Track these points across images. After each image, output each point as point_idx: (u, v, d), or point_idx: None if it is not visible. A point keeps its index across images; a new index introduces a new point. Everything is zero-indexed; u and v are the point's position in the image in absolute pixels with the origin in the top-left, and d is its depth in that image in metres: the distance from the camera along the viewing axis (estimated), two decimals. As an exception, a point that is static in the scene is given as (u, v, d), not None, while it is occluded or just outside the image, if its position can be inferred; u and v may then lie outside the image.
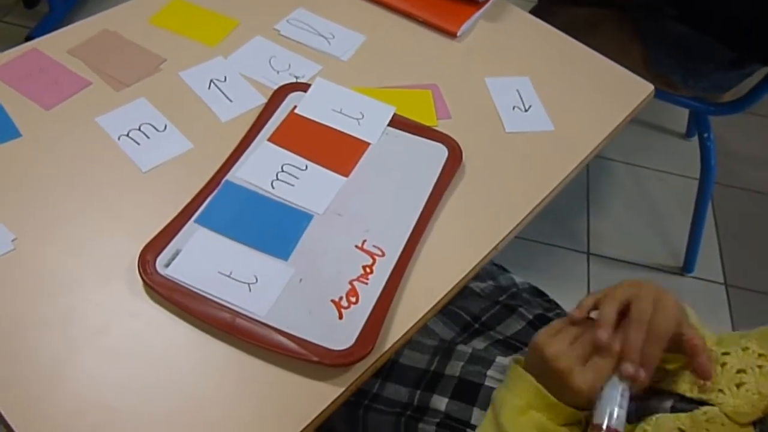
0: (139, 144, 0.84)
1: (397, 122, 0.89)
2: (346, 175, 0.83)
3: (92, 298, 0.70)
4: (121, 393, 0.64)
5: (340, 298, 0.71)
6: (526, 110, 0.96)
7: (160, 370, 0.66)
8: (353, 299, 0.71)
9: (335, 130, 0.88)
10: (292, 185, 0.81)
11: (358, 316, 0.69)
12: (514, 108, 0.95)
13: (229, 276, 0.71)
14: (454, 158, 0.86)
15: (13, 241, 0.73)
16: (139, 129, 0.85)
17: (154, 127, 0.86)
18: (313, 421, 0.64)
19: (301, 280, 0.72)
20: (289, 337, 0.67)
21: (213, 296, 0.69)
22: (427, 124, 0.90)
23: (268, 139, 0.85)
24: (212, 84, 0.92)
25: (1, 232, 0.73)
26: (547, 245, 1.79)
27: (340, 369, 0.67)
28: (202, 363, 0.67)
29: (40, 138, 0.83)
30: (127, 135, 0.84)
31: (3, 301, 0.69)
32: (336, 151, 0.85)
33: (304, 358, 0.66)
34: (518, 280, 1.01)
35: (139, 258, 0.71)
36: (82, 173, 0.80)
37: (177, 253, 0.72)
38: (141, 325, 0.69)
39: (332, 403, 0.65)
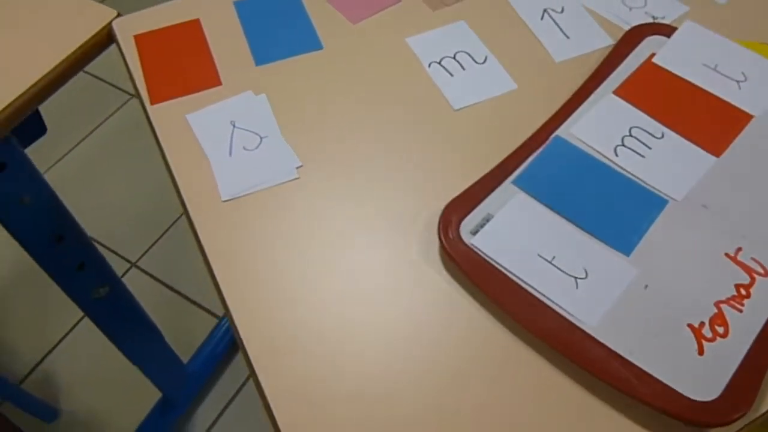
0: (452, 75, 0.69)
1: (796, 92, 0.65)
2: (717, 155, 0.61)
3: (371, 255, 0.57)
4: (393, 383, 0.51)
5: (701, 325, 0.51)
6: None
7: (441, 368, 0.51)
8: (720, 329, 0.50)
9: (706, 91, 0.65)
10: (643, 156, 0.61)
11: (728, 355, 0.49)
12: None
13: (550, 262, 0.54)
14: None
15: (297, 168, 0.63)
16: (454, 57, 0.71)
17: (472, 58, 0.70)
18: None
19: (646, 286, 0.53)
20: (624, 363, 0.49)
21: (528, 285, 0.53)
22: (840, 100, 0.65)
23: (614, 92, 0.65)
24: (546, 14, 0.74)
25: (287, 157, 0.64)
26: None
27: (696, 428, 0.47)
28: (494, 372, 0.51)
29: (341, 53, 0.72)
30: (440, 63, 0.70)
31: (270, 239, 0.58)
32: (704, 119, 0.63)
33: (645, 400, 0.47)
34: None
35: (442, 216, 0.56)
36: (381, 99, 0.67)
37: (487, 220, 0.56)
38: (426, 300, 0.54)
39: (672, 470, 0.47)
